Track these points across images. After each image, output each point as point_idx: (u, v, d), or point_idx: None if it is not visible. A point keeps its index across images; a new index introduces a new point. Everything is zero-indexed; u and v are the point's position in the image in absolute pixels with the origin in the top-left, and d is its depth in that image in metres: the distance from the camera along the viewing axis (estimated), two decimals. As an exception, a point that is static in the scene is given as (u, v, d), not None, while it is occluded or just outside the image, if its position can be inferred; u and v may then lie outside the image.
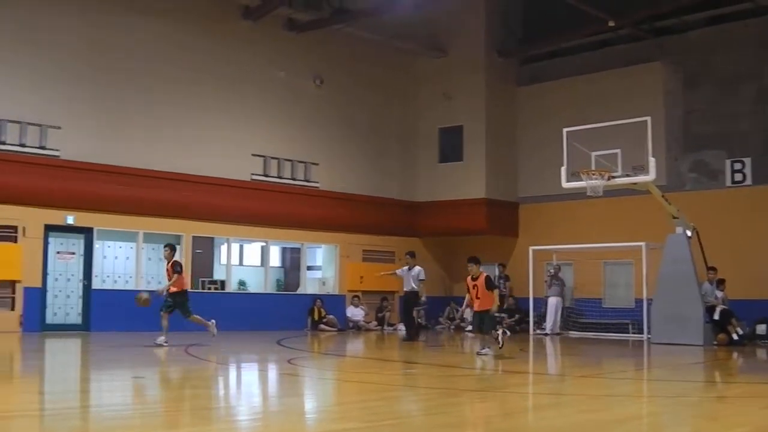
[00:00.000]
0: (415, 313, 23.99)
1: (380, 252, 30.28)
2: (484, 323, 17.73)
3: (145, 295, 19.67)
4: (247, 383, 14.41)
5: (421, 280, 23.13)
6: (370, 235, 30.27)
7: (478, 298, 17.67)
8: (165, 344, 18.69)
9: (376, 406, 10.75)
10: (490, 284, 17.72)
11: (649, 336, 24.03)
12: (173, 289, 19.44)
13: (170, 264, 19.69)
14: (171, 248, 20.19)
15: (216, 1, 27.16)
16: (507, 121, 31.55)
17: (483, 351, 17.51)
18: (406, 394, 12.46)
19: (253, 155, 27.71)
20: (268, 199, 27.60)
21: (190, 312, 19.68)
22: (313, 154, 29.21)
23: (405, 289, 23.34)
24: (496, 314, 28.44)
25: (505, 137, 31.43)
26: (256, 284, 29.27)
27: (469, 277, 17.95)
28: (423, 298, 24.31)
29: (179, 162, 25.72)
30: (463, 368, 15.82)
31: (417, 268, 23.12)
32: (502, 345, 17.75)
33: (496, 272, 29.44)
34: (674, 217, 23.71)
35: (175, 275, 19.44)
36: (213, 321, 20.16)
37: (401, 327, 23.10)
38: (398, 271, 23.75)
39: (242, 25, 27.58)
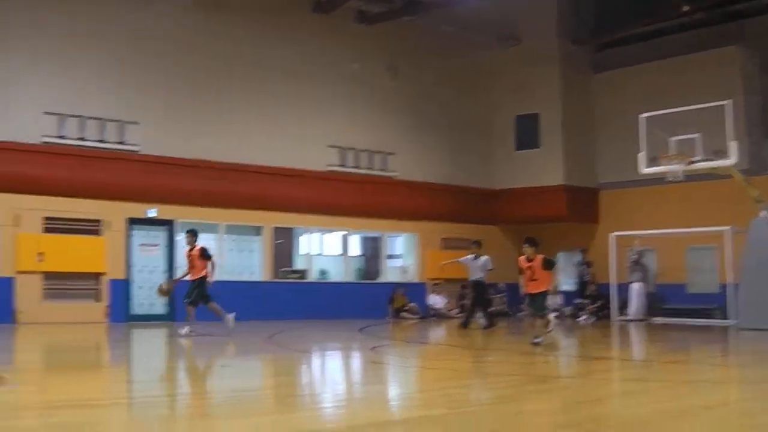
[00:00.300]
0: (497, 300, 23.62)
1: (460, 240, 30.15)
2: (539, 305, 17.06)
3: (165, 286, 19.62)
4: (330, 371, 14.50)
5: (488, 269, 22.52)
6: (450, 223, 30.25)
7: (534, 279, 16.85)
8: (235, 321, 18.93)
9: (458, 393, 10.77)
10: (548, 264, 16.91)
11: (735, 322, 23.63)
12: (196, 276, 19.14)
13: (196, 250, 19.27)
14: (193, 234, 19.73)
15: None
16: (583, 107, 31.29)
17: (536, 340, 16.67)
18: (488, 381, 12.41)
19: (330, 146, 27.86)
20: (346, 189, 27.77)
21: (201, 301, 19.22)
22: (390, 144, 29.27)
23: (471, 279, 22.62)
24: (578, 300, 28.51)
25: (582, 124, 31.16)
26: (337, 273, 29.39)
27: (522, 258, 17.10)
28: (501, 285, 23.85)
29: (257, 154, 25.97)
30: (545, 355, 15.71)
31: (484, 258, 22.40)
32: (551, 330, 17.39)
33: (579, 259, 29.23)
34: (758, 201, 23.30)
35: (209, 262, 19.13)
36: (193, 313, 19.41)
37: (481, 315, 22.83)
38: (462, 260, 23.00)
39: (314, 19, 27.71)
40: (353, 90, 28.61)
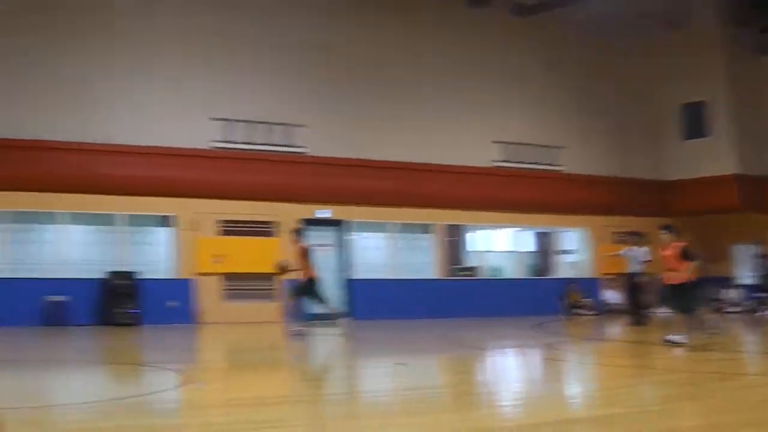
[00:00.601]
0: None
1: (632, 234, 29.51)
2: (680, 300, 15.62)
3: (283, 264, 19.74)
4: (507, 368, 14.45)
5: (644, 261, 21.57)
6: (620, 217, 29.66)
7: (671, 270, 15.60)
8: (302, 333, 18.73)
9: (639, 391, 10.60)
10: (687, 254, 15.47)
11: None
12: (306, 275, 18.95)
13: (300, 248, 19.06)
14: (298, 232, 19.52)
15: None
16: (752, 92, 30.25)
17: (672, 337, 15.34)
18: (669, 378, 12.11)
19: (494, 142, 27.79)
20: (514, 184, 27.64)
21: (318, 299, 19.17)
22: (555, 137, 29.02)
23: (628, 271, 22.00)
24: (758, 294, 27.52)
25: (752, 109, 30.13)
26: (509, 270, 29.25)
27: (662, 247, 16.06)
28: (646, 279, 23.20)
29: (423, 152, 26.15)
30: (729, 351, 15.25)
31: (640, 249, 21.68)
32: (708, 330, 16.09)
33: (756, 251, 28.29)
34: None
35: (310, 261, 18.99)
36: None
37: (663, 311, 21.98)
38: (621, 252, 22.42)
39: (470, 13, 27.69)
40: (513, 84, 28.49)
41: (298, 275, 19.13)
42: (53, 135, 21.85)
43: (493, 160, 27.77)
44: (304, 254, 19.02)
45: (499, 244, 30.62)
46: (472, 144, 27.35)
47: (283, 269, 19.82)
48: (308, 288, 18.97)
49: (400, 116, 26.31)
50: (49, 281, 21.81)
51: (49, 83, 22.25)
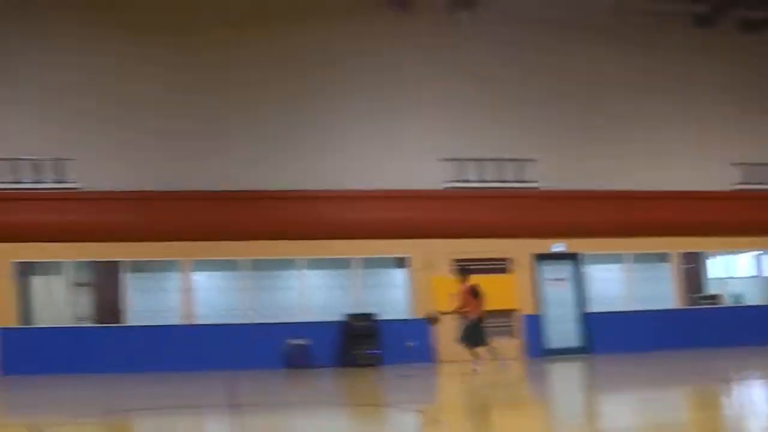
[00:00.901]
0: None
1: None
2: None
3: (433, 314, 19.65)
4: (755, 402, 13.88)
5: None
6: None
7: None
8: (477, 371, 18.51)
9: None
10: None
11: None
12: (471, 315, 18.98)
13: (465, 287, 19.09)
14: (462, 272, 19.53)
15: (666, 13, 26.83)
16: None
17: None
18: None
19: (732, 164, 26.83)
20: (755, 207, 26.47)
21: (478, 342, 19.03)
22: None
23: None
24: None
25: None
26: (751, 296, 28.04)
27: None
28: None
29: (656, 178, 25.56)
30: None
31: None
32: None
33: None
34: None
35: (477, 300, 18.94)
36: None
37: None
38: None
39: (695, 33, 27.02)
40: (748, 102, 27.38)
41: (468, 316, 19.18)
42: (289, 184, 22.84)
43: (733, 183, 26.81)
44: (470, 294, 19.07)
45: (740, 270, 29.44)
46: (708, 167, 26.50)
47: (434, 319, 19.96)
48: (475, 328, 19.04)
49: (628, 142, 25.87)
50: (290, 325, 22.70)
51: (284, 135, 23.40)
